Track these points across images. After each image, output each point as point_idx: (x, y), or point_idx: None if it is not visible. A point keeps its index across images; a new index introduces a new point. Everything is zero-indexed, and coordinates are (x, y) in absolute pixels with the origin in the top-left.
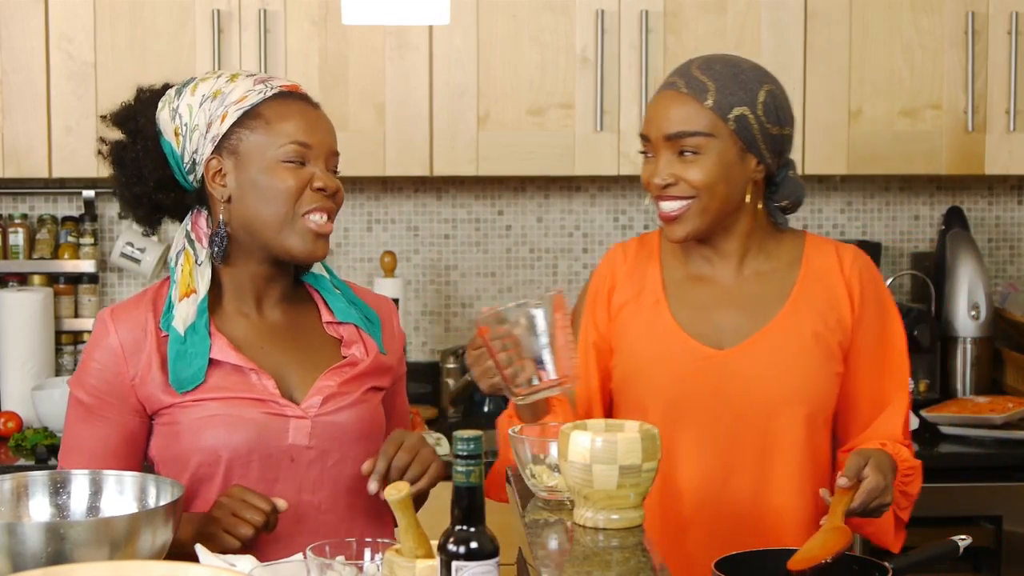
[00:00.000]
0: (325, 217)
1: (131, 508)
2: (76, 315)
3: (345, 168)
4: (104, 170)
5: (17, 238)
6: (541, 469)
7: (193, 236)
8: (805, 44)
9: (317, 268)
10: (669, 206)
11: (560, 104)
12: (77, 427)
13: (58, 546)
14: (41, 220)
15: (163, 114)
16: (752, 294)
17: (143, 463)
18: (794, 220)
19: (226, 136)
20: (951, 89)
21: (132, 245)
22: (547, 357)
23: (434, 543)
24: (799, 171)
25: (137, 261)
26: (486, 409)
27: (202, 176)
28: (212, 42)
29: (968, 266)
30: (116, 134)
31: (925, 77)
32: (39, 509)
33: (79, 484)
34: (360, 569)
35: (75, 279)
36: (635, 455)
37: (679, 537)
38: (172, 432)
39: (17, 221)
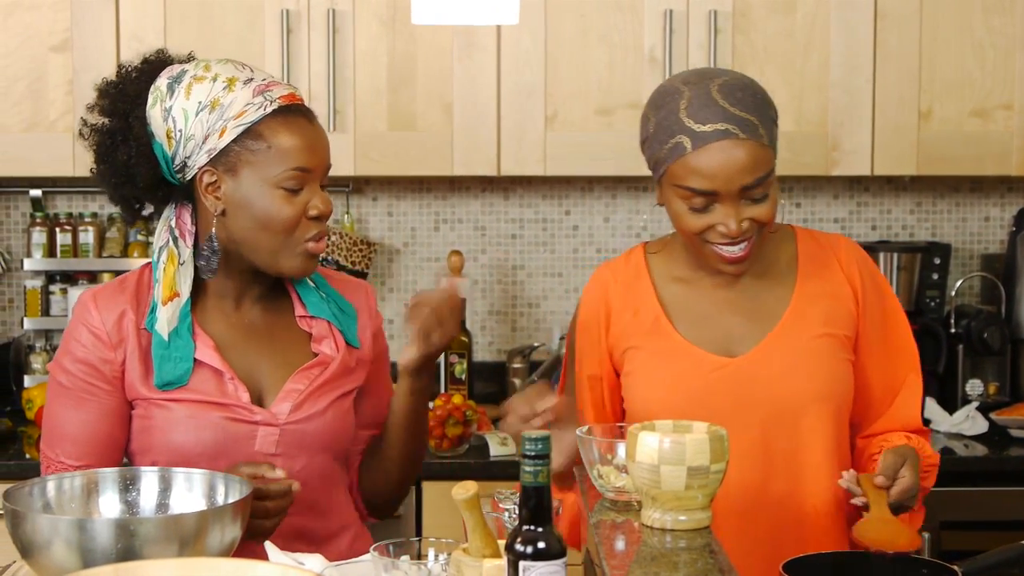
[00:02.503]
0: (322, 239)
1: (200, 505)
2: None
3: (412, 167)
4: None
5: (87, 236)
6: (608, 470)
7: (177, 232)
8: (875, 44)
9: None
10: (737, 249)
11: (628, 104)
12: (58, 411)
13: (128, 543)
14: (111, 219)
15: (154, 112)
16: (754, 296)
17: (124, 451)
18: (865, 222)
19: (224, 152)
20: (1023, 89)
21: None
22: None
23: (501, 543)
24: (870, 171)
25: None
26: None
27: (192, 178)
28: (281, 42)
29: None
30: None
31: (996, 77)
32: (109, 505)
33: (148, 481)
34: (428, 569)
35: None
36: (703, 456)
37: (725, 542)
38: (144, 426)
39: (87, 220)
